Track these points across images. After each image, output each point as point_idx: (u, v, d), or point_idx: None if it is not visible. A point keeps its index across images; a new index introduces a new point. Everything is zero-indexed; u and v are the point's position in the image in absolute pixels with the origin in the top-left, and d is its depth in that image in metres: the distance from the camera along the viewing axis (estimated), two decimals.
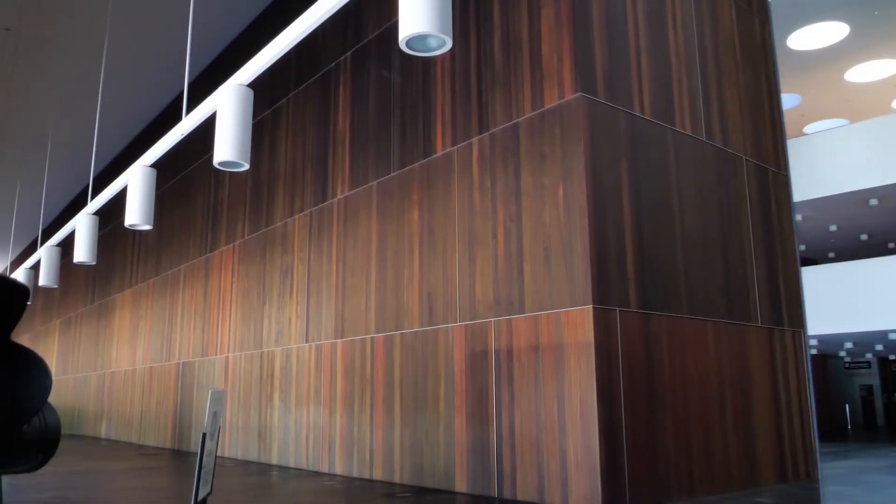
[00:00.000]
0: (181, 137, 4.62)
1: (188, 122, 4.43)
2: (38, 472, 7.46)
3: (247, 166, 3.87)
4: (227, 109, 3.71)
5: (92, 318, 16.62)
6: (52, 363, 19.54)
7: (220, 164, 3.83)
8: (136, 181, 4.96)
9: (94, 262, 6.79)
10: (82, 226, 6.43)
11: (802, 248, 15.86)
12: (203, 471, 2.93)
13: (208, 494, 3.19)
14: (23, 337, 23.23)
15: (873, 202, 12.34)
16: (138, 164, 5.05)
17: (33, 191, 17.64)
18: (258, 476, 7.68)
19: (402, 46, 2.86)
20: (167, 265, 12.56)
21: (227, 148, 3.66)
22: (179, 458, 9.80)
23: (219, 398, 3.08)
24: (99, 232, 15.86)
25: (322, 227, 8.28)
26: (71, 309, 18.60)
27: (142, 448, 11.64)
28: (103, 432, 14.91)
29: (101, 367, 15.53)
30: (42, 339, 21.41)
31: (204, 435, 2.88)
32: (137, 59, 11.51)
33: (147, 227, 5.09)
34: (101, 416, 15.19)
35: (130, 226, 5.08)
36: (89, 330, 16.72)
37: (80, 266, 17.42)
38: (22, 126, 14.17)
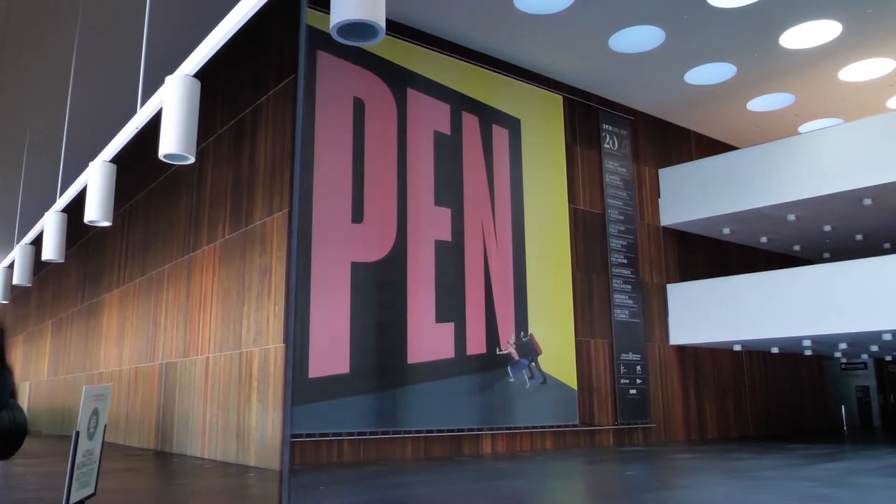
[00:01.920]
0: (136, 132, 4.52)
1: (141, 116, 4.34)
2: (21, 473, 7.38)
3: (192, 159, 3.76)
4: (171, 101, 3.60)
5: (82, 319, 16.53)
6: (45, 364, 19.45)
7: (166, 156, 3.71)
8: (94, 177, 4.86)
9: (63, 260, 6.72)
10: (50, 224, 6.36)
11: (797, 248, 15.69)
12: (79, 471, 2.83)
13: (91, 496, 3.13)
14: (17, 338, 23.18)
15: (867, 202, 12.20)
16: (97, 160, 4.96)
17: (12, 193, 17.52)
18: (236, 478, 7.58)
19: (334, 35, 2.78)
20: (152, 265, 12.47)
21: (171, 140, 3.54)
22: (162, 460, 9.71)
23: (99, 395, 2.98)
24: (89, 232, 15.82)
25: None
26: (63, 310, 18.52)
27: (126, 449, 11.54)
28: None
29: (90, 368, 15.44)
30: (35, 339, 21.33)
31: (77, 433, 2.79)
32: (119, 61, 11.41)
33: (106, 224, 5.00)
34: None
35: (90, 222, 4.99)
36: (79, 331, 16.63)
37: (73, 266, 17.35)
38: (4, 125, 14.07)
